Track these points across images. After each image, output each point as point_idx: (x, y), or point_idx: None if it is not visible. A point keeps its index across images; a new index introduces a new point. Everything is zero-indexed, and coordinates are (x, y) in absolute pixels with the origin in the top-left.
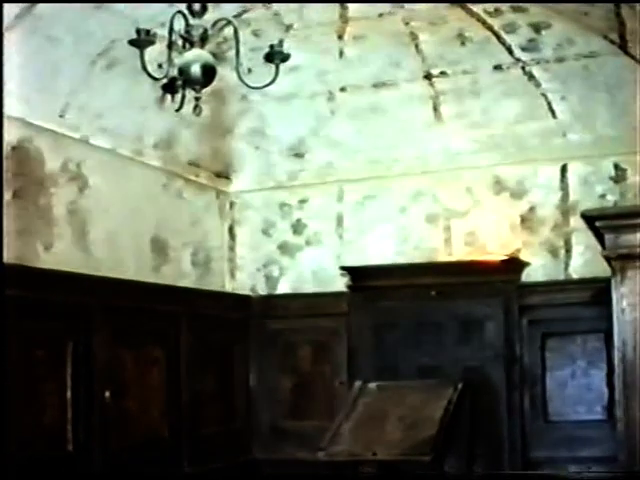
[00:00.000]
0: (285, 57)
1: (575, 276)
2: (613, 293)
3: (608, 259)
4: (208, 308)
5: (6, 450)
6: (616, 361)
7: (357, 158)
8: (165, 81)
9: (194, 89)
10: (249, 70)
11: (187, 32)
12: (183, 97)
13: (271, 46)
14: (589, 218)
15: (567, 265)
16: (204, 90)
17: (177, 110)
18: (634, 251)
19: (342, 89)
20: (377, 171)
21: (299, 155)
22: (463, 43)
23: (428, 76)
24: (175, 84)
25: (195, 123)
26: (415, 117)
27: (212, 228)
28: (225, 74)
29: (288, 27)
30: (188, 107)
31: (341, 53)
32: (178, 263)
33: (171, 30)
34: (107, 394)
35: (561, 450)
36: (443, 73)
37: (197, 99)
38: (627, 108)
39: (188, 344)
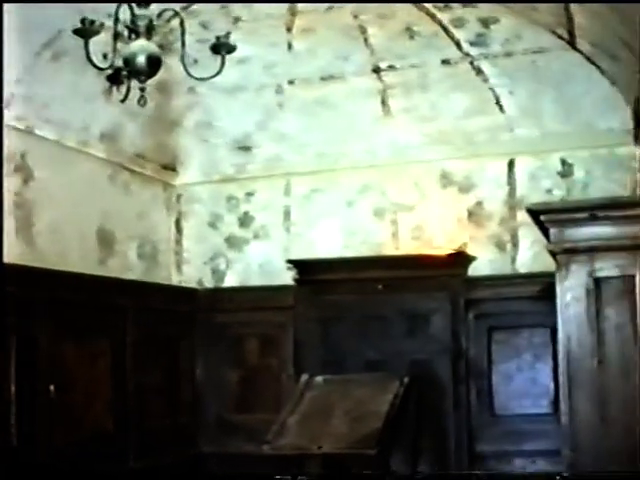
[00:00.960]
0: (231, 49)
1: (522, 270)
2: (557, 287)
3: (553, 253)
4: (154, 301)
5: None
6: (560, 355)
7: (305, 151)
8: (110, 72)
9: (139, 80)
10: (195, 61)
11: (133, 22)
12: (128, 88)
13: (217, 37)
14: (534, 212)
15: (514, 259)
16: (150, 81)
17: (122, 101)
18: (578, 245)
19: (290, 82)
20: (325, 165)
21: (246, 148)
22: (412, 37)
23: (377, 70)
24: (120, 75)
25: (142, 115)
26: (363, 111)
27: (158, 221)
28: (172, 66)
29: (236, 19)
30: (135, 99)
31: (289, 46)
32: (124, 256)
33: (116, 20)
34: (52, 388)
35: (507, 444)
36: (391, 67)
37: (142, 90)
38: (575, 104)
39: (134, 337)
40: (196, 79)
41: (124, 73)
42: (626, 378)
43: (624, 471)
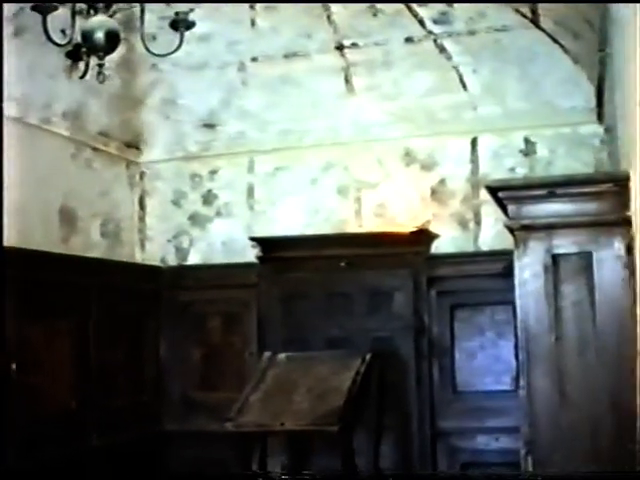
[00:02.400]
0: (190, 25)
1: (484, 248)
2: (516, 264)
3: (511, 230)
4: (118, 279)
5: None
6: (519, 331)
7: (268, 129)
8: (69, 48)
9: (98, 56)
10: (153, 38)
11: None
12: (87, 64)
13: (176, 13)
14: (493, 189)
15: (477, 237)
16: (114, 58)
17: (81, 77)
18: (536, 222)
19: (253, 59)
20: (288, 142)
21: (210, 126)
22: (375, 15)
23: (340, 47)
24: (79, 51)
25: (105, 92)
26: (327, 89)
27: (122, 199)
28: (136, 44)
29: None
30: (104, 78)
31: (253, 23)
32: (87, 234)
33: None
34: (13, 367)
35: (469, 420)
36: (355, 45)
37: (100, 66)
38: (538, 82)
39: (97, 316)
40: (155, 55)
41: (83, 49)
42: (583, 354)
43: (607, 471)
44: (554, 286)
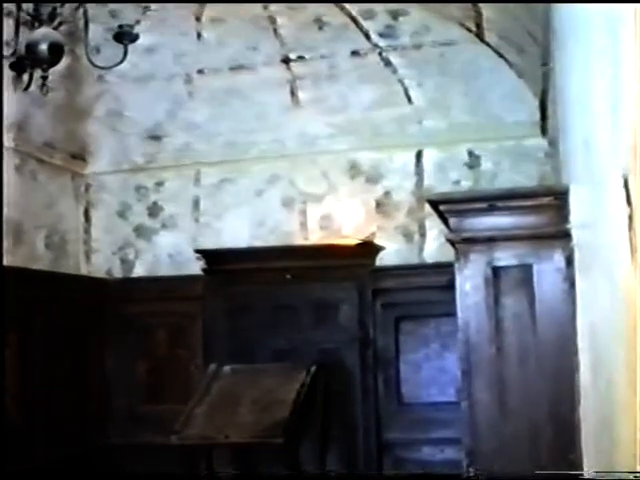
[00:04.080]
0: (134, 38)
1: (429, 261)
2: (457, 276)
3: (452, 243)
4: (62, 291)
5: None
6: (459, 343)
7: (214, 141)
8: (13, 60)
9: (42, 68)
10: (97, 50)
11: (35, 10)
12: (31, 76)
13: (120, 26)
14: (434, 203)
15: (421, 250)
16: (60, 70)
17: (24, 89)
18: (477, 235)
19: (200, 71)
20: (234, 154)
21: (156, 138)
22: (321, 28)
23: (286, 60)
24: (23, 63)
25: (50, 104)
26: (272, 101)
27: (67, 210)
28: (81, 55)
29: (145, 8)
30: (47, 91)
31: (199, 35)
32: (32, 246)
33: (19, 8)
34: None
35: (415, 432)
36: (301, 57)
37: (44, 78)
38: (482, 96)
39: (42, 328)
40: (98, 67)
41: (27, 61)
42: (523, 365)
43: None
44: (495, 298)
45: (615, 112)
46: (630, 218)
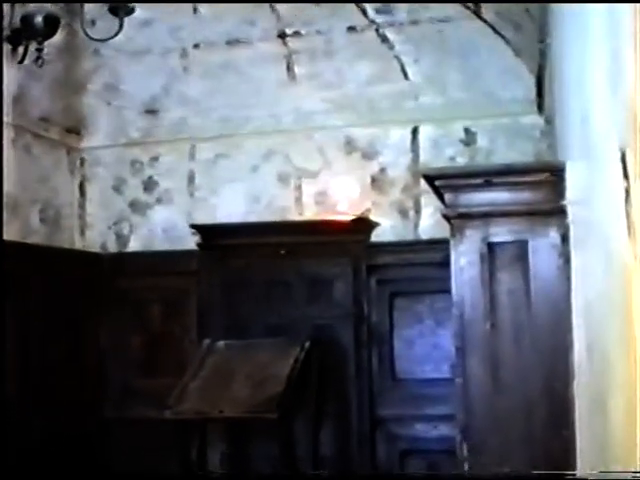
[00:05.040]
0: (129, 11)
1: (424, 237)
2: (452, 252)
3: (447, 218)
4: (57, 266)
5: None
6: (454, 319)
7: (210, 116)
8: (9, 33)
9: (37, 41)
10: (92, 23)
11: None
12: (26, 49)
13: None
14: (430, 178)
15: (416, 226)
16: (53, 42)
17: (19, 62)
18: (473, 211)
19: (195, 46)
20: (229, 130)
21: (152, 112)
22: (318, 4)
23: (282, 35)
24: (19, 36)
25: (47, 77)
26: (268, 76)
27: (62, 185)
28: (78, 29)
29: None
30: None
31: (195, 9)
32: (26, 220)
33: None
34: None
35: (408, 408)
36: (297, 33)
37: (39, 50)
38: (479, 72)
39: (37, 302)
40: (94, 40)
41: (22, 34)
42: (518, 341)
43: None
44: (490, 274)
45: (613, 88)
46: (627, 192)
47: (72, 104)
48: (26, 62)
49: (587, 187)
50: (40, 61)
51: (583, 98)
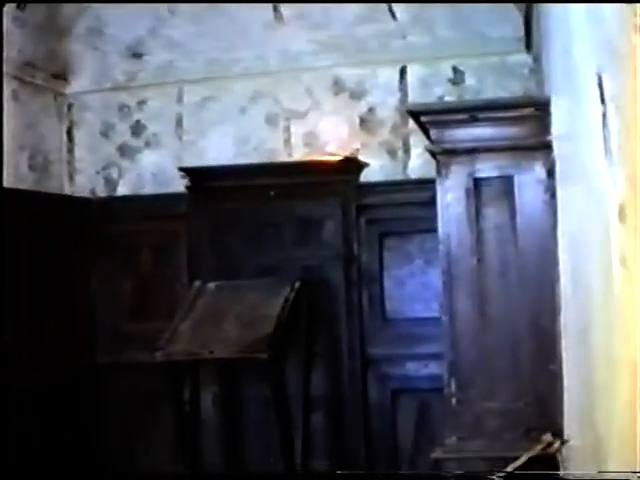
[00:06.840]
0: None
1: (413, 177)
2: (438, 188)
3: (433, 154)
4: (47, 211)
5: None
6: (440, 255)
7: (196, 59)
8: None
9: None
10: None
11: None
12: None
13: None
14: (415, 114)
15: (405, 166)
16: None
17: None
18: (458, 146)
19: None
20: (216, 72)
21: (138, 55)
22: None
23: None
24: None
25: (30, 23)
26: (255, 17)
27: (49, 131)
28: None
29: None
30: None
31: None
32: (15, 167)
33: None
34: None
35: (399, 347)
36: None
37: None
38: (467, 12)
39: (27, 248)
40: None
41: None
42: (504, 276)
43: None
44: (476, 210)
45: (591, 14)
46: (604, 116)
47: (57, 49)
48: (8, 7)
49: (570, 120)
50: (22, 5)
51: (565, 30)
